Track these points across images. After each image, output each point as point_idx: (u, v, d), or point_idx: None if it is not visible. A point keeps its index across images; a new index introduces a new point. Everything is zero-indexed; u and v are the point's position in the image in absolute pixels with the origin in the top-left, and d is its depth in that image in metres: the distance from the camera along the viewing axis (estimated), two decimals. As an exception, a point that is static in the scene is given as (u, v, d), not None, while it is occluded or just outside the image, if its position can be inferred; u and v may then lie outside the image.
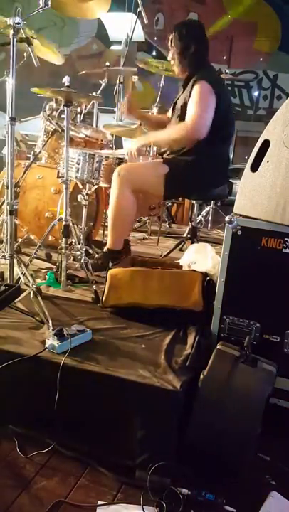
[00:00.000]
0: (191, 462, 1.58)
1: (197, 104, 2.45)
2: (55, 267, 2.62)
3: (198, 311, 2.04)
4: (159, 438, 1.58)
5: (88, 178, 2.73)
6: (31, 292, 2.17)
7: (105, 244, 2.69)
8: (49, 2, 2.18)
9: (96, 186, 2.85)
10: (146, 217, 4.01)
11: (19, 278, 2.22)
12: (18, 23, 2.07)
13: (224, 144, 2.71)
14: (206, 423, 1.61)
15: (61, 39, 7.95)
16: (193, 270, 2.24)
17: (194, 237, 3.31)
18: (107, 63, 3.95)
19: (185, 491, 1.48)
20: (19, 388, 1.74)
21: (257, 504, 1.47)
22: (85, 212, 2.89)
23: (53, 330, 1.81)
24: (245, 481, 1.59)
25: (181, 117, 2.57)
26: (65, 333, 1.77)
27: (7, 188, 2.23)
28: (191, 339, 1.93)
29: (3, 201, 2.36)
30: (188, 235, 3.39)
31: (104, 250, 2.63)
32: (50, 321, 1.97)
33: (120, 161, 2.79)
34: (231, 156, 4.62)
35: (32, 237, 2.74)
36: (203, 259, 2.32)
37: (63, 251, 2.44)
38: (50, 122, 3.02)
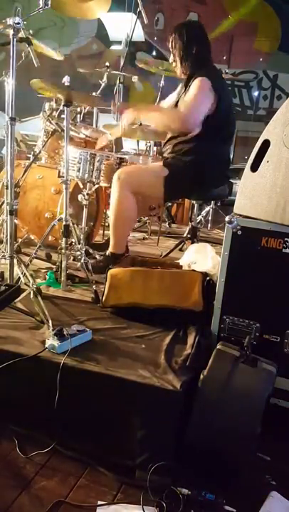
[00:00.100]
0: (191, 462, 1.58)
1: (194, 96, 2.45)
2: (55, 266, 2.62)
3: (198, 311, 2.04)
4: (159, 438, 1.58)
5: (89, 178, 2.73)
6: (31, 292, 2.17)
7: (105, 244, 2.68)
8: (49, 2, 2.19)
9: (97, 186, 2.85)
10: (146, 218, 4.01)
11: (19, 278, 2.22)
12: (18, 23, 2.07)
13: (225, 144, 2.71)
14: (206, 423, 1.61)
15: (61, 39, 7.96)
16: (193, 270, 2.24)
17: (194, 237, 3.31)
18: (107, 63, 3.95)
19: (185, 491, 1.48)
20: (19, 388, 1.74)
21: (257, 504, 1.47)
22: (85, 212, 2.89)
23: (53, 330, 1.81)
24: (245, 481, 1.59)
25: None
26: (65, 333, 1.77)
27: (7, 188, 2.23)
28: (191, 339, 1.93)
29: (3, 201, 2.36)
30: (188, 235, 3.39)
31: (107, 254, 2.63)
32: (50, 321, 1.97)
33: (121, 160, 2.79)
34: (231, 156, 4.63)
35: (32, 237, 2.74)
36: (203, 259, 2.32)
37: (63, 251, 2.44)
38: (50, 122, 3.02)
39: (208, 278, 2.13)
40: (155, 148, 4.13)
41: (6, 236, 2.26)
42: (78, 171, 2.71)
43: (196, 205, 3.36)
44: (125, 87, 4.35)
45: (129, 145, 4.69)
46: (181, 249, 3.37)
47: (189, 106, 2.44)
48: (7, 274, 2.27)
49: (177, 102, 2.73)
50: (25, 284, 2.21)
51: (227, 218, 1.85)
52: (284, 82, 7.92)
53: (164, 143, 2.74)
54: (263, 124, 2.43)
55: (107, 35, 4.83)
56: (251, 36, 7.84)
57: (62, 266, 2.44)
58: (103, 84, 3.95)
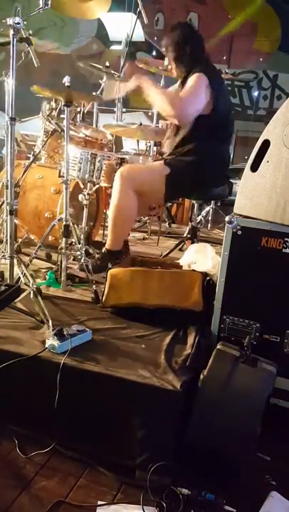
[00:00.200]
0: (191, 462, 1.58)
1: (190, 88, 2.45)
2: (55, 266, 2.62)
3: (198, 311, 2.04)
4: (159, 438, 1.58)
5: (90, 178, 2.73)
6: (31, 292, 2.17)
7: (105, 244, 2.69)
8: (49, 2, 2.19)
9: (97, 186, 2.85)
10: (146, 217, 4.01)
11: (19, 278, 2.22)
12: (18, 23, 2.07)
13: (224, 143, 2.71)
14: (206, 423, 1.61)
15: (61, 39, 7.95)
16: (193, 270, 2.24)
17: (194, 237, 3.31)
18: (107, 63, 3.95)
19: (185, 491, 1.48)
20: (19, 388, 1.74)
21: (257, 504, 1.47)
22: (85, 212, 2.89)
23: (53, 330, 1.81)
24: (245, 481, 1.59)
25: None
26: (65, 333, 1.77)
27: (7, 188, 2.23)
28: (191, 339, 1.93)
29: (3, 201, 2.36)
30: (188, 235, 3.39)
31: (103, 251, 2.63)
32: (50, 321, 1.97)
33: (122, 160, 2.80)
34: (231, 156, 4.63)
35: (32, 237, 2.74)
36: (203, 259, 2.32)
37: (63, 251, 2.44)
38: (50, 122, 3.02)
39: (208, 278, 2.13)
40: (155, 148, 4.13)
41: (6, 236, 2.26)
42: (79, 170, 2.71)
43: (196, 205, 3.36)
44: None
45: (129, 145, 4.69)
46: (181, 249, 3.37)
47: (184, 97, 2.44)
48: (7, 274, 2.27)
49: None
50: (26, 284, 2.21)
51: (227, 218, 1.85)
52: (284, 82, 7.93)
53: (164, 143, 2.75)
54: (263, 124, 2.42)
55: (107, 35, 4.83)
56: (251, 36, 7.84)
57: (62, 266, 2.44)
58: (103, 84, 3.95)
